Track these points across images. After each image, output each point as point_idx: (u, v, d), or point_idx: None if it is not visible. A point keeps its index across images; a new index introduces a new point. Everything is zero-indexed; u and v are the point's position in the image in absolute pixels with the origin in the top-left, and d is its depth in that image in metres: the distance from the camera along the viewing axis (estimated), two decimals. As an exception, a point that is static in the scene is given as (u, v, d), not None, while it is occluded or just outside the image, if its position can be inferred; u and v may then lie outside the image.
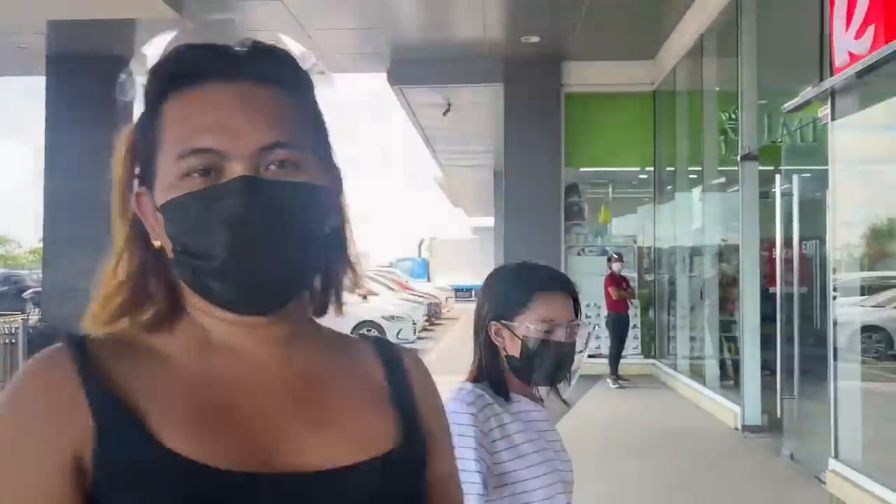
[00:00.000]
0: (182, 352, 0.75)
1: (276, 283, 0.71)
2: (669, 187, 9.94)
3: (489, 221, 25.73)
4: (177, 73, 0.72)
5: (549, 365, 1.47)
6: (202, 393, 0.71)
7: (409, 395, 0.82)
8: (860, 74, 4.36)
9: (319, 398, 0.76)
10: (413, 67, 9.95)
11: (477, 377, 1.53)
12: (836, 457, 4.82)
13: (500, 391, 1.49)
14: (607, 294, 9.12)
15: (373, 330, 13.72)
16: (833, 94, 4.82)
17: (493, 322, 1.50)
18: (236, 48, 0.73)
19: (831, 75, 4.69)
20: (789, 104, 5.57)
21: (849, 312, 5.35)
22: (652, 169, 10.33)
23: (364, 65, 10.41)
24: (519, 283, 1.52)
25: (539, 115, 9.88)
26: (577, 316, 1.52)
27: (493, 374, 1.50)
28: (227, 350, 0.75)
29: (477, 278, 30.59)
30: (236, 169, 0.68)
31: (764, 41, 6.64)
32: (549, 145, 9.91)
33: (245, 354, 0.75)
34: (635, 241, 10.71)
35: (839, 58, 4.53)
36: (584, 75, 9.93)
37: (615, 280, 9.11)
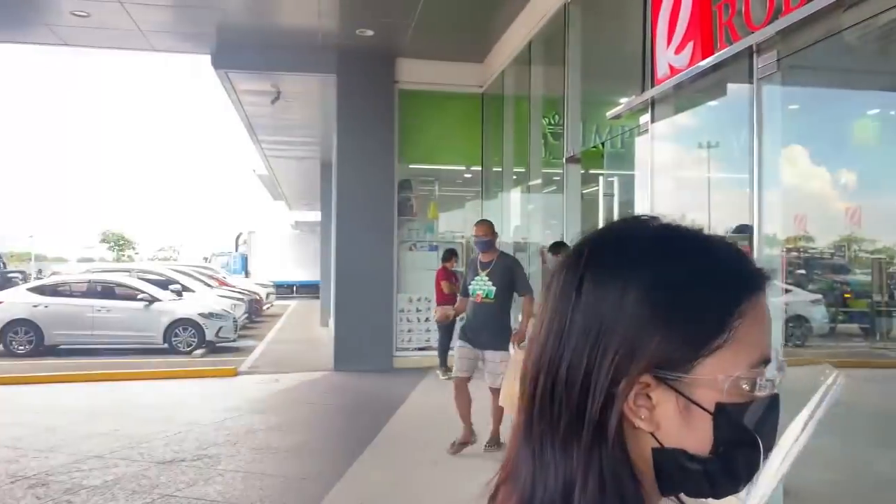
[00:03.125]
0: None
1: None
2: (496, 186, 10.33)
3: (313, 216, 25.25)
4: None
5: (759, 457, 0.66)
6: None
7: None
8: (679, 86, 4.79)
9: None
10: (240, 52, 9.48)
11: None
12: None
13: None
14: (438, 288, 9.29)
15: (189, 328, 12.94)
16: (653, 103, 5.25)
17: (643, 375, 0.63)
18: None
19: (652, 86, 5.10)
20: (612, 111, 5.99)
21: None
22: (479, 168, 10.67)
23: (186, 45, 9.75)
24: (703, 280, 0.65)
25: (373, 110, 9.84)
26: None
27: None
28: None
29: (299, 274, 30.01)
30: None
31: (589, 51, 7.09)
32: (383, 140, 9.91)
33: None
34: (463, 238, 11.01)
35: (661, 70, 4.94)
36: (417, 73, 10.04)
37: (447, 274, 9.30)
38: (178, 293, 14.22)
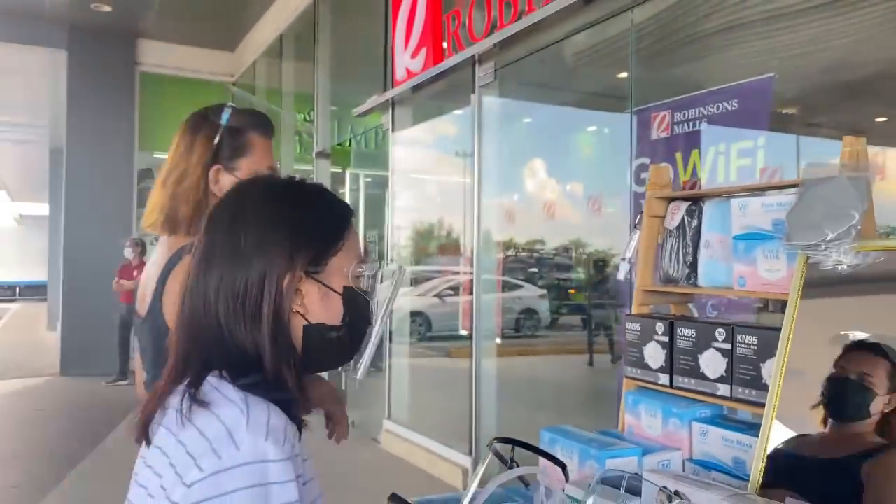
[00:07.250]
0: None
1: None
2: (248, 180, 10.09)
3: (41, 208, 22.53)
4: None
5: (368, 328, 1.02)
6: None
7: None
8: (415, 89, 5.11)
9: None
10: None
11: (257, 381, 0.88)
12: (389, 418, 5.56)
13: (296, 408, 0.92)
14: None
15: None
16: (393, 104, 5.53)
17: (298, 274, 0.91)
18: None
19: (393, 87, 5.39)
20: (358, 109, 6.20)
21: (399, 301, 6.20)
22: (231, 161, 10.35)
23: None
24: (327, 209, 0.99)
25: (110, 92, 9.11)
26: None
27: (285, 371, 0.90)
28: None
29: (23, 274, 26.59)
30: None
31: (338, 50, 7.25)
32: (122, 126, 9.21)
33: None
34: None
35: (399, 72, 5.24)
36: (161, 56, 9.48)
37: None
38: None
